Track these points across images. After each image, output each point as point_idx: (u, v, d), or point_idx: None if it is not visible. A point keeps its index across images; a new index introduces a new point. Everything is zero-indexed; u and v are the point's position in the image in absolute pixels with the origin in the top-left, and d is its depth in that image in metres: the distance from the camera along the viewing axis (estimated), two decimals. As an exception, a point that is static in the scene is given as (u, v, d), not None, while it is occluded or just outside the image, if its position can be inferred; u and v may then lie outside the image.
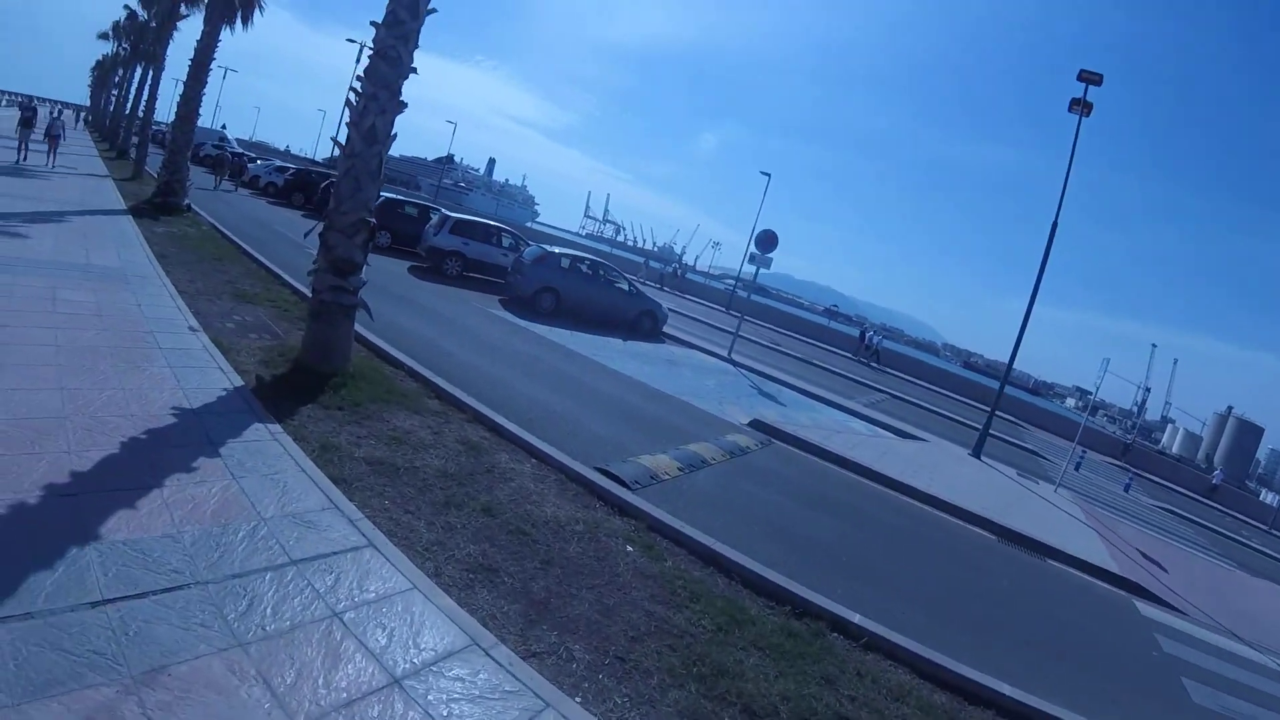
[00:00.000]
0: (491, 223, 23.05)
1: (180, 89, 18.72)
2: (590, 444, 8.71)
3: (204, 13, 19.38)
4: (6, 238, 11.14)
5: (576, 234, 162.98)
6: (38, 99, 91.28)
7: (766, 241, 20.29)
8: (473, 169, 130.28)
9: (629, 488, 7.33)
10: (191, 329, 8.64)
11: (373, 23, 8.11)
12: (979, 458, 16.40)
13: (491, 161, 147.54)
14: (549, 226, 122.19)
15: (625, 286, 20.20)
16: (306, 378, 7.64)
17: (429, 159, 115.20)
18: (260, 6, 20.76)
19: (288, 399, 7.08)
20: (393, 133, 8.31)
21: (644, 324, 20.14)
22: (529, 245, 21.39)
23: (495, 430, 7.94)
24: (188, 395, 6.50)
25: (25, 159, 21.57)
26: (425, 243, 20.73)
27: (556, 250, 20.06)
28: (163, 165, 18.40)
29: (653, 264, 52.88)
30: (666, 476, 8.25)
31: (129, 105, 40.48)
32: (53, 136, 23.04)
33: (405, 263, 21.17)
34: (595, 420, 10.00)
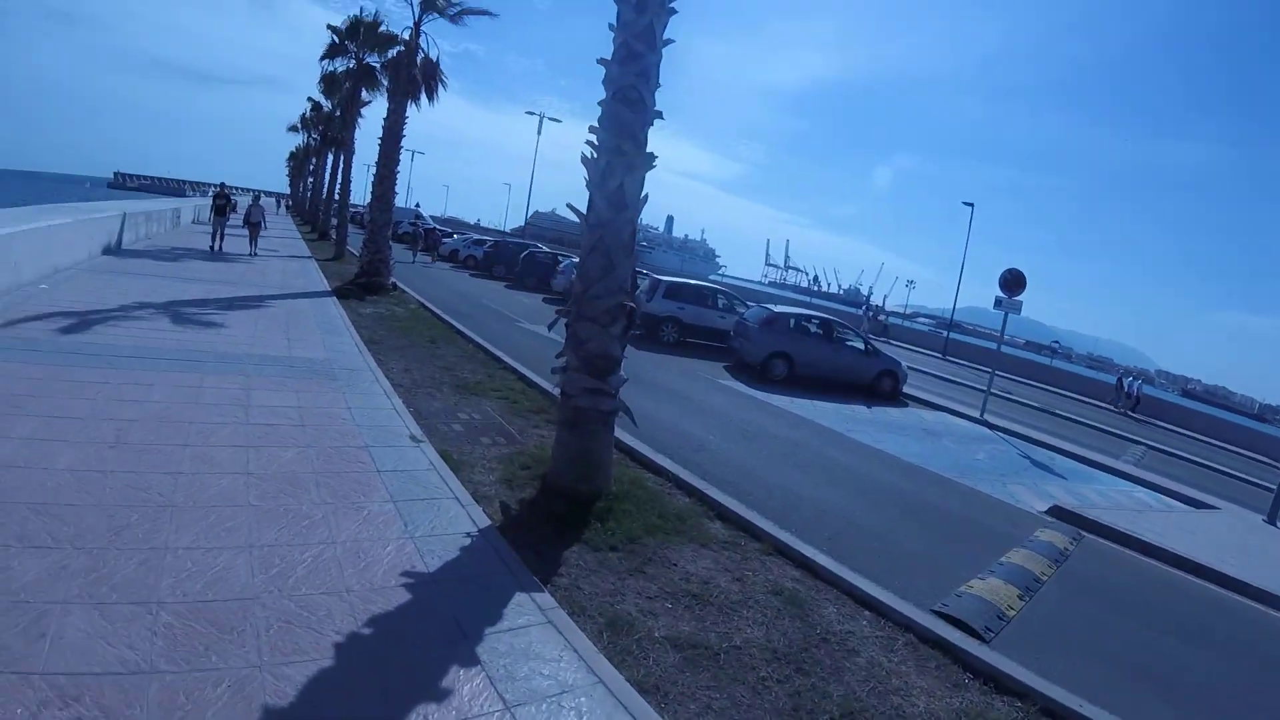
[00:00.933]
0: (705, 284, 22.15)
1: (371, 171, 18.96)
2: (901, 564, 6.99)
3: (385, 94, 19.63)
4: (198, 328, 10.44)
5: (759, 283, 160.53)
6: (239, 188, 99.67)
7: (1013, 283, 17.19)
8: (651, 227, 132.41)
9: (982, 638, 5.80)
10: (414, 439, 7.15)
11: (601, 60, 6.34)
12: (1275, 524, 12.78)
13: (670, 219, 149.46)
14: (732, 278, 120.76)
15: (860, 345, 18.06)
16: (563, 503, 6.00)
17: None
18: (443, 82, 20.39)
19: (547, 538, 5.43)
20: (643, 194, 6.48)
21: (884, 385, 17.71)
22: (748, 305, 20.08)
23: (807, 568, 5.97)
24: (420, 549, 4.85)
25: (220, 246, 21.53)
26: (639, 309, 19.06)
27: (783, 310, 18.33)
28: (364, 244, 18.49)
29: (866, 313, 48.20)
30: (1011, 612, 6.62)
31: (325, 189, 43.18)
32: (253, 223, 23.04)
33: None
34: (886, 522, 8.27)
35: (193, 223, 30.05)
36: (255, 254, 22.27)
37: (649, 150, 6.38)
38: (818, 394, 15.79)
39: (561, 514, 5.78)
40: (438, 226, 46.55)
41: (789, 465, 9.63)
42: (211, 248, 21.43)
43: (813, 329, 17.75)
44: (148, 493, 4.86)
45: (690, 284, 21.10)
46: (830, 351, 17.36)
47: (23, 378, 6.81)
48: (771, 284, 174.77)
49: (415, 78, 18.86)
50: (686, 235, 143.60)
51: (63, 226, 13.29)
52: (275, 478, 5.50)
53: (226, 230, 22.14)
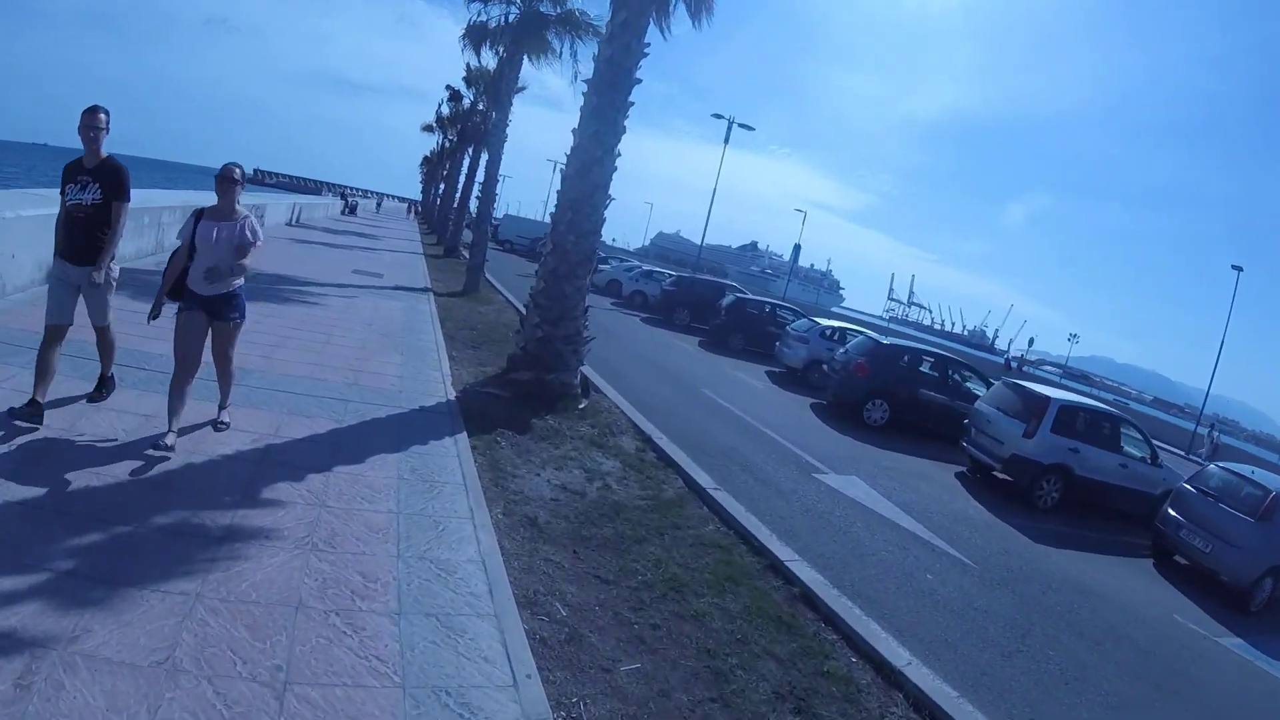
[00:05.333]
0: (1116, 412, 13.04)
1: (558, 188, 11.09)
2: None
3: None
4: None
5: (879, 318, 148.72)
6: (371, 192, 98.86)
7: None
8: (776, 255, 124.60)
9: None
10: None
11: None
12: None
13: (797, 248, 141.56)
14: (853, 310, 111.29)
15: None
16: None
17: (733, 246, 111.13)
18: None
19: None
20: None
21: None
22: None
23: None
24: None
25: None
26: (1004, 451, 11.12)
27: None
28: (532, 299, 8.86)
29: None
30: None
31: (458, 195, 35.92)
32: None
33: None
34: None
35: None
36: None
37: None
38: None
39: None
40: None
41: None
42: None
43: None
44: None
45: (1093, 407, 12.21)
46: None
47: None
48: (892, 319, 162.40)
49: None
50: (812, 264, 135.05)
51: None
52: None
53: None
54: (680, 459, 7.76)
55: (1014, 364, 43.39)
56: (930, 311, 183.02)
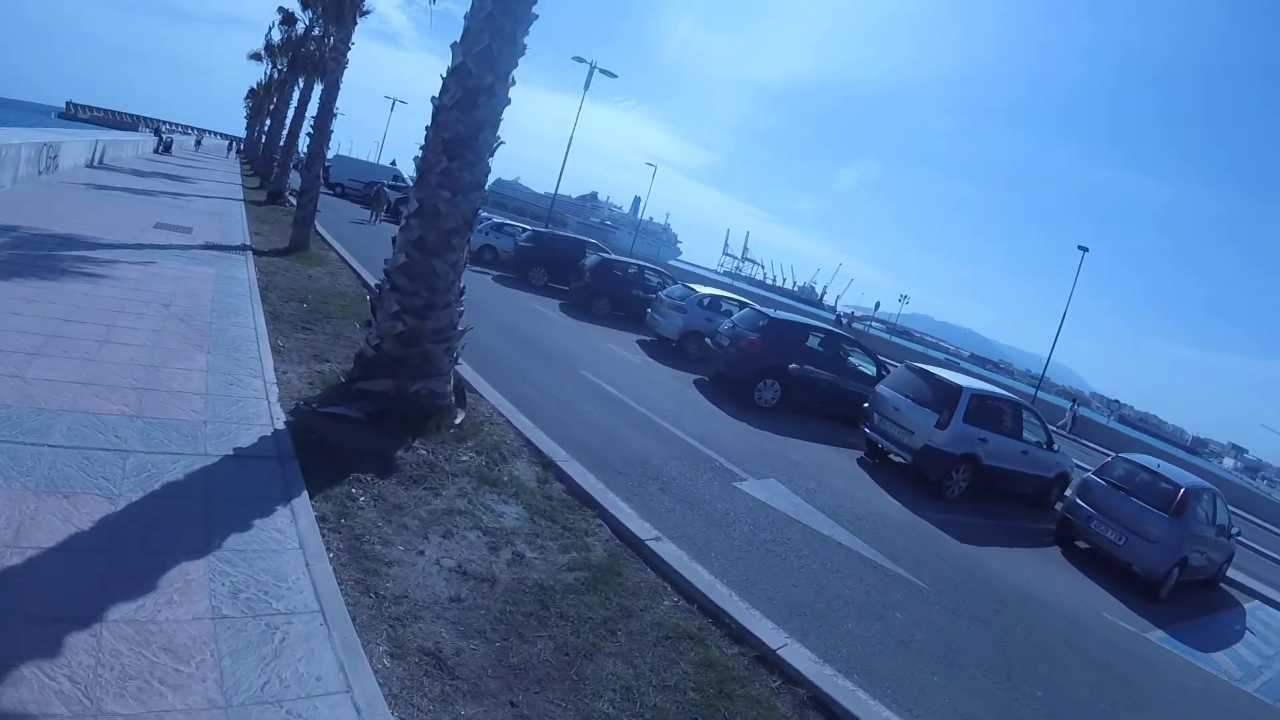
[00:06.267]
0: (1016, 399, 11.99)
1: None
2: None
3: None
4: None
5: (714, 271, 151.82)
6: (194, 129, 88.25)
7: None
8: (616, 207, 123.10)
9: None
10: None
11: None
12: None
13: (637, 200, 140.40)
14: (688, 264, 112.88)
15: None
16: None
17: (574, 196, 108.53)
18: None
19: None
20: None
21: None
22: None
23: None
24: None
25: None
26: (917, 441, 10.26)
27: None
28: (388, 277, 6.43)
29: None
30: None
31: (285, 132, 31.40)
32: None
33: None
34: None
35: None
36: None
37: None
38: None
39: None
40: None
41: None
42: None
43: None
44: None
45: (1000, 396, 11.28)
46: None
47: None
48: (726, 274, 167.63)
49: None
50: (650, 218, 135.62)
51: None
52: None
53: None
54: (596, 490, 6.03)
55: (845, 320, 44.43)
56: (763, 267, 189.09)
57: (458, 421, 6.45)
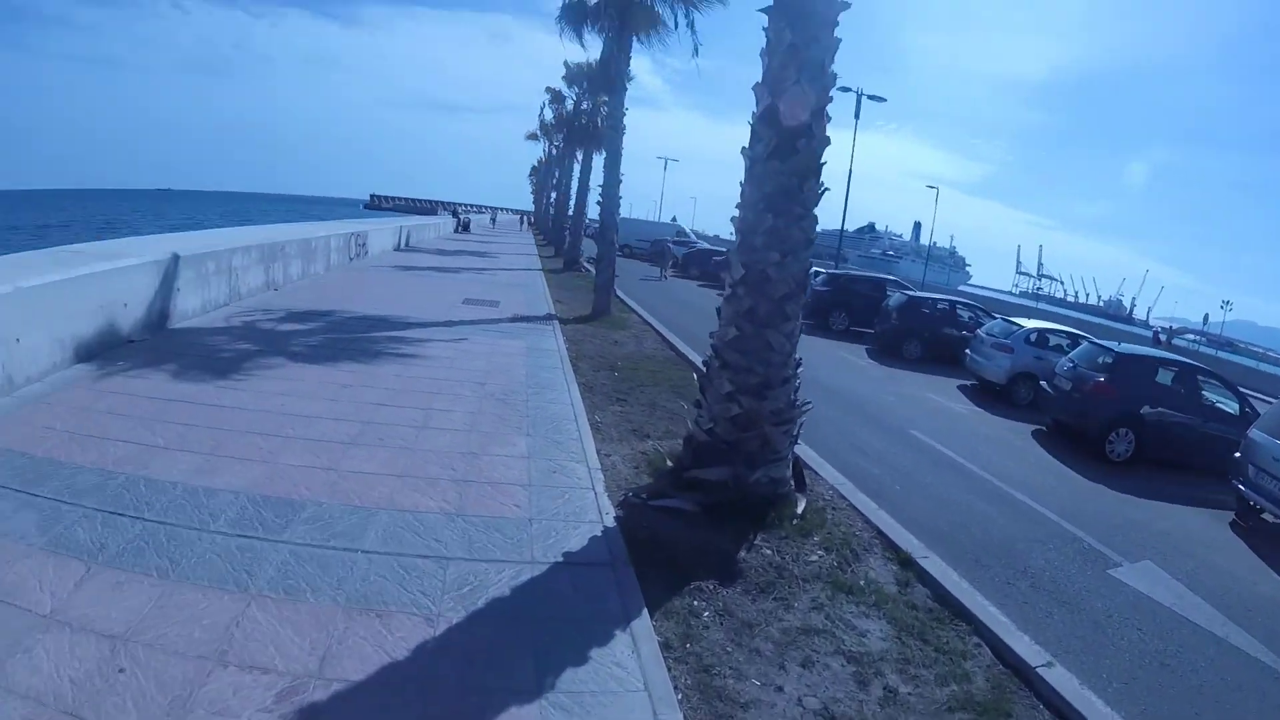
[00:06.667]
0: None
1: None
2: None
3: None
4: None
5: (1009, 293, 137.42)
6: (484, 207, 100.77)
7: None
8: (895, 235, 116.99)
9: None
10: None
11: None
12: None
13: (917, 225, 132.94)
14: (981, 288, 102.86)
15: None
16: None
17: (851, 230, 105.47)
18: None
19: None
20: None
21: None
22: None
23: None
24: None
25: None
26: None
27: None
28: (713, 368, 5.86)
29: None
30: None
31: (571, 201, 34.29)
32: None
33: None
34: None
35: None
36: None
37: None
38: None
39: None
40: (714, 249, 36.23)
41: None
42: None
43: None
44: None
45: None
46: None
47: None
48: (1023, 294, 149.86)
49: None
50: (934, 242, 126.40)
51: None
52: None
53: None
54: (964, 595, 4.96)
55: (1164, 337, 37.29)
56: (1062, 283, 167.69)
57: (799, 511, 5.67)
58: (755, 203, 5.54)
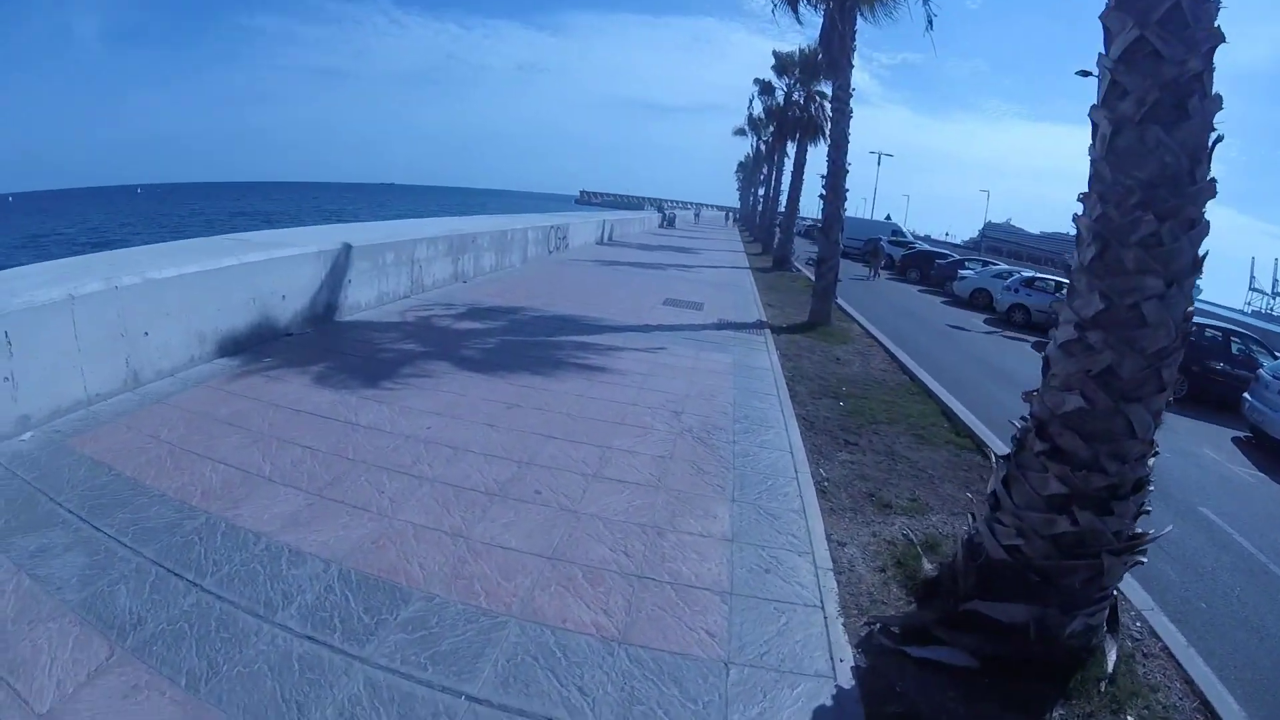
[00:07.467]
0: None
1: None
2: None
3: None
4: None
5: (1241, 312, 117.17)
6: (687, 204, 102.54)
7: None
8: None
9: None
10: None
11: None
12: None
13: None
14: (1206, 303, 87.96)
15: None
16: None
17: (1069, 233, 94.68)
18: None
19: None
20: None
21: None
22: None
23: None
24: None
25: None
26: None
27: None
28: (1022, 452, 3.65)
29: None
30: None
31: (784, 199, 32.55)
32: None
33: None
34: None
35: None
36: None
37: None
38: None
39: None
40: (936, 250, 33.94)
41: None
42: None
43: None
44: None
45: None
46: None
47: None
48: (1256, 314, 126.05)
49: None
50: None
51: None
52: None
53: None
54: None
55: None
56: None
57: (1110, 669, 3.58)
58: (1120, 193, 3.43)
